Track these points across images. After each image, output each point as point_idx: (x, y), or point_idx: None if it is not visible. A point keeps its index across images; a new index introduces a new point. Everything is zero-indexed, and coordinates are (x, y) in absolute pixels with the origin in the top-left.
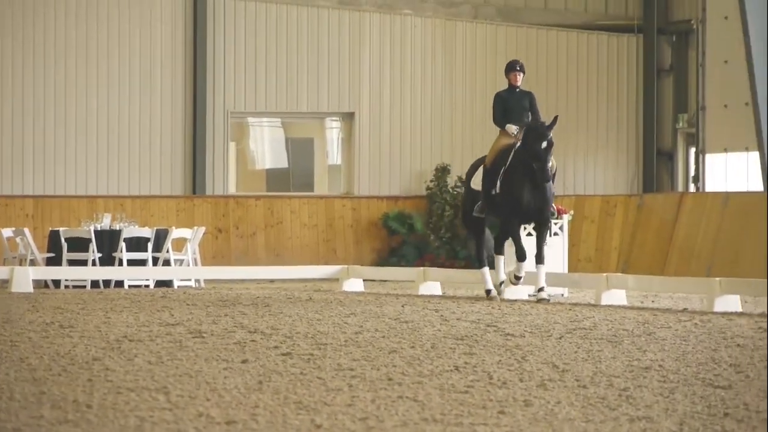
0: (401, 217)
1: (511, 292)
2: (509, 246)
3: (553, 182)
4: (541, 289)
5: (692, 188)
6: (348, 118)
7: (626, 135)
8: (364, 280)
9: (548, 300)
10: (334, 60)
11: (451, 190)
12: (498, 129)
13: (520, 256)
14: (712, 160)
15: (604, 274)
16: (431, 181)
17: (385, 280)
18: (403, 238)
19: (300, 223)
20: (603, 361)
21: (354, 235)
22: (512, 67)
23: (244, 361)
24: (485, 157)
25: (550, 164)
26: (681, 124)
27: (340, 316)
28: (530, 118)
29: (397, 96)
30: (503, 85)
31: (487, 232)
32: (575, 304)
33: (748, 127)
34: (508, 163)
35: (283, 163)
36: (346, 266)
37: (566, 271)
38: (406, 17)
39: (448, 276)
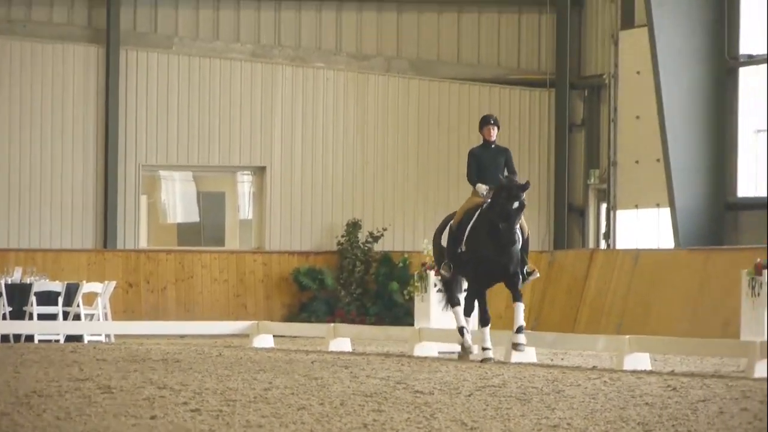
0: (312, 273)
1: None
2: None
3: (526, 242)
4: (519, 329)
5: (603, 245)
6: (259, 171)
7: (537, 190)
8: (274, 336)
9: (523, 350)
10: (246, 113)
11: (361, 245)
12: (470, 186)
13: (483, 320)
14: (622, 216)
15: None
16: (342, 236)
17: (296, 336)
18: (313, 294)
19: (211, 277)
20: (512, 419)
21: (265, 290)
22: (486, 122)
23: (152, 417)
24: (454, 213)
25: (517, 226)
26: (592, 180)
27: (249, 372)
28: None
29: (309, 150)
30: (416, 139)
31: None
32: (485, 361)
33: (659, 183)
34: (472, 223)
35: (194, 217)
36: (256, 322)
37: (476, 328)
38: (319, 70)
39: (359, 332)
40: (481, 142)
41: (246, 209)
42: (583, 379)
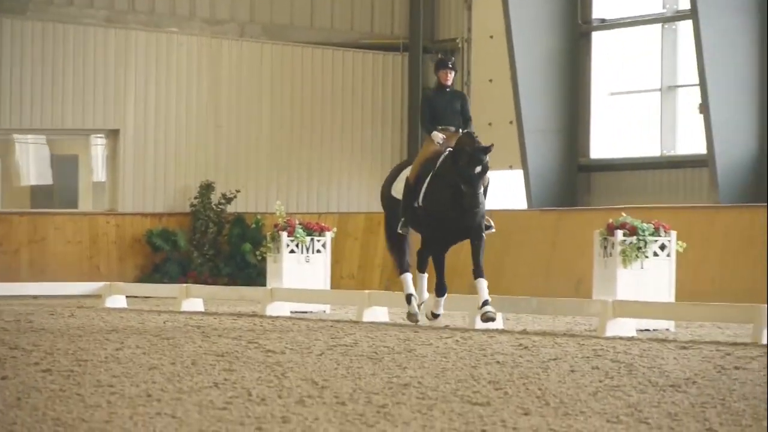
0: (165, 234)
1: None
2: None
3: (485, 191)
4: (484, 303)
5: None
6: (113, 134)
7: (390, 154)
8: (127, 297)
9: (494, 317)
10: (99, 77)
11: (214, 207)
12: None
13: (440, 290)
14: None
15: (366, 291)
16: (195, 198)
17: (148, 297)
18: (166, 255)
19: (64, 239)
20: (363, 378)
21: (118, 252)
22: (443, 65)
23: (3, 378)
24: (408, 162)
25: (481, 189)
26: None
27: (101, 332)
28: (463, 125)
29: (163, 113)
30: (269, 103)
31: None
32: (337, 321)
33: (512, 145)
34: (433, 173)
35: (47, 179)
36: (108, 283)
37: (329, 287)
38: (172, 35)
39: (211, 293)
40: (436, 85)
41: (99, 172)
42: (435, 339)
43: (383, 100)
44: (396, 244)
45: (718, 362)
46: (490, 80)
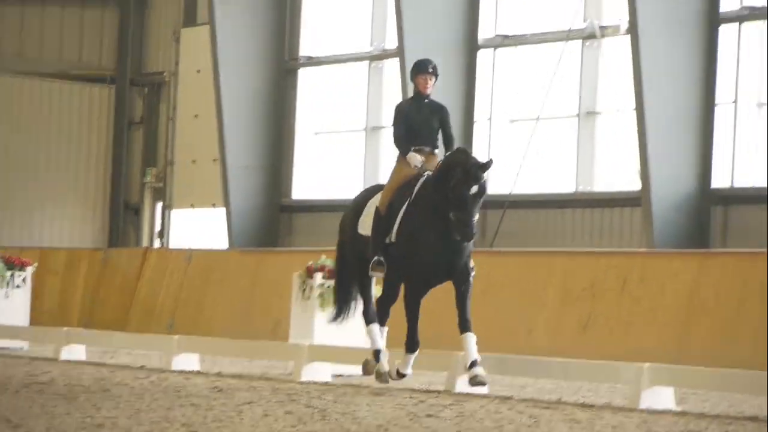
0: None
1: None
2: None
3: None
4: (473, 364)
5: (157, 244)
6: None
7: (94, 188)
8: None
9: (485, 382)
10: None
11: None
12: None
13: (411, 344)
14: (178, 215)
15: (65, 329)
16: None
17: None
18: None
19: None
20: (57, 417)
21: None
22: (422, 68)
23: None
24: (376, 187)
25: (476, 217)
26: (149, 178)
27: None
28: (444, 146)
29: None
30: None
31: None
32: (34, 358)
33: (216, 183)
34: (410, 201)
35: None
36: None
37: (28, 324)
38: None
39: None
40: (412, 95)
41: None
42: (131, 378)
43: (89, 132)
44: (352, 290)
45: (411, 409)
46: (196, 116)
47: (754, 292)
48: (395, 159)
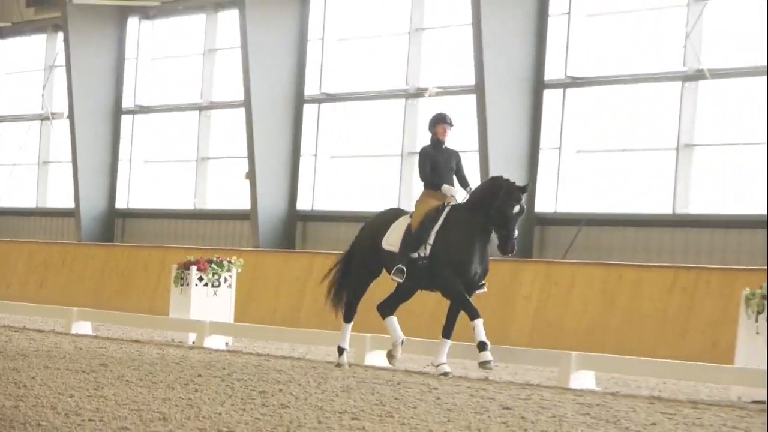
0: None
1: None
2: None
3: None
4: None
5: None
6: None
7: None
8: None
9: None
10: None
11: None
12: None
13: (472, 313)
14: None
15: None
16: None
17: None
18: None
19: None
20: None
21: None
22: (441, 120)
23: None
24: (396, 212)
25: (516, 234)
26: None
27: None
28: (462, 185)
29: None
30: None
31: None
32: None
33: None
34: (441, 223)
35: None
36: None
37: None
38: None
39: None
40: (432, 141)
41: None
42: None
43: None
44: (344, 295)
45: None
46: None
47: None
48: (420, 192)
